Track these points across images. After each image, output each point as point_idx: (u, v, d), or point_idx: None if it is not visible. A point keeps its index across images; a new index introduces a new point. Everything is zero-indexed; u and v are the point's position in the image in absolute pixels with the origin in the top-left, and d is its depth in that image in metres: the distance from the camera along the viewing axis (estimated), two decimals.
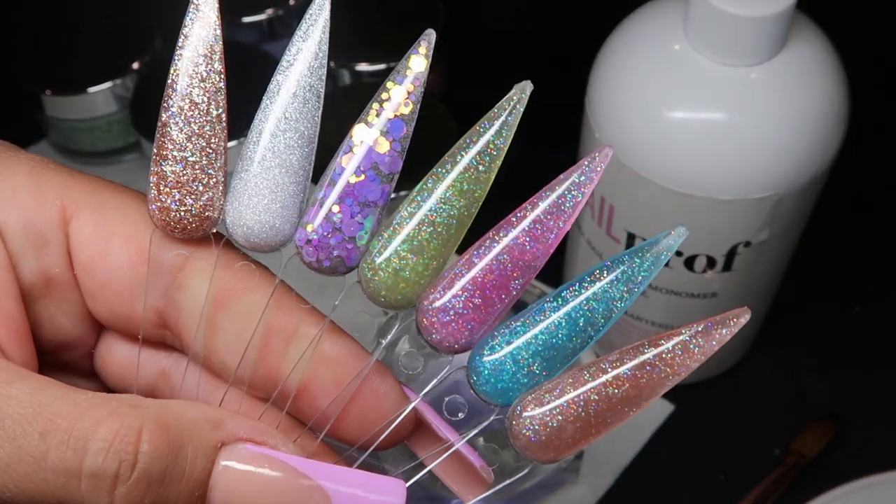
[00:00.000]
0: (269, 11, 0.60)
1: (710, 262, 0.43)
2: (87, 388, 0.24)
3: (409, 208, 0.23)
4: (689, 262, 0.43)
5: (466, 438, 0.25)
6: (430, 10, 0.60)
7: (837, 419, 0.50)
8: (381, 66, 0.57)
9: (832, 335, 0.54)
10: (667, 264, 0.43)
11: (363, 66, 0.57)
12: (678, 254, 0.43)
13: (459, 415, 0.25)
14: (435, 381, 0.24)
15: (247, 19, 0.60)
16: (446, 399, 0.25)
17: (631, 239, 0.44)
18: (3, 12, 0.62)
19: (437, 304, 0.22)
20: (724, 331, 0.22)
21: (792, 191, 0.40)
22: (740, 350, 0.52)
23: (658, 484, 0.49)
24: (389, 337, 0.25)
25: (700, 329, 0.22)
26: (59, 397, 0.20)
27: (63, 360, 0.26)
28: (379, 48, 0.58)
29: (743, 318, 0.22)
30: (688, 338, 0.22)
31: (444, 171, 0.23)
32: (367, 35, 0.59)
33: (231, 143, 0.54)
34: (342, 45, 0.58)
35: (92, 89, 0.57)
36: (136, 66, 0.58)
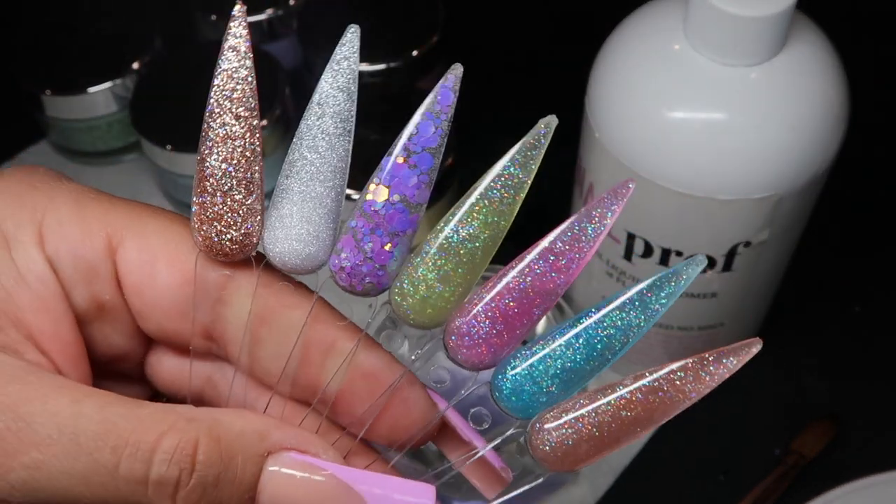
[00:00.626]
0: (269, 11, 0.60)
1: (710, 262, 0.43)
2: (140, 393, 0.29)
3: (436, 239, 0.24)
4: None
5: (492, 446, 0.26)
6: (430, 10, 0.60)
7: (837, 419, 0.50)
8: (381, 66, 0.57)
9: (832, 335, 0.54)
10: (666, 263, 0.44)
11: (363, 67, 0.57)
12: (678, 254, 0.43)
13: (484, 424, 0.27)
14: (461, 394, 0.26)
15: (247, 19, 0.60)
16: (472, 410, 0.27)
17: (631, 239, 0.44)
18: (3, 12, 0.62)
19: (463, 328, 0.24)
20: (734, 360, 0.23)
21: (792, 191, 0.40)
22: None
23: (658, 484, 0.49)
24: (421, 352, 0.27)
25: (712, 358, 0.23)
26: (124, 414, 0.22)
27: (117, 369, 0.28)
28: (379, 48, 0.58)
29: (755, 347, 0.23)
30: (700, 366, 0.23)
31: (469, 203, 0.24)
32: (367, 35, 0.59)
33: None
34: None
35: (92, 89, 0.57)
36: (136, 66, 0.58)
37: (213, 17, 0.60)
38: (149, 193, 0.60)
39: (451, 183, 0.55)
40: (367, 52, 0.58)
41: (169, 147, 0.54)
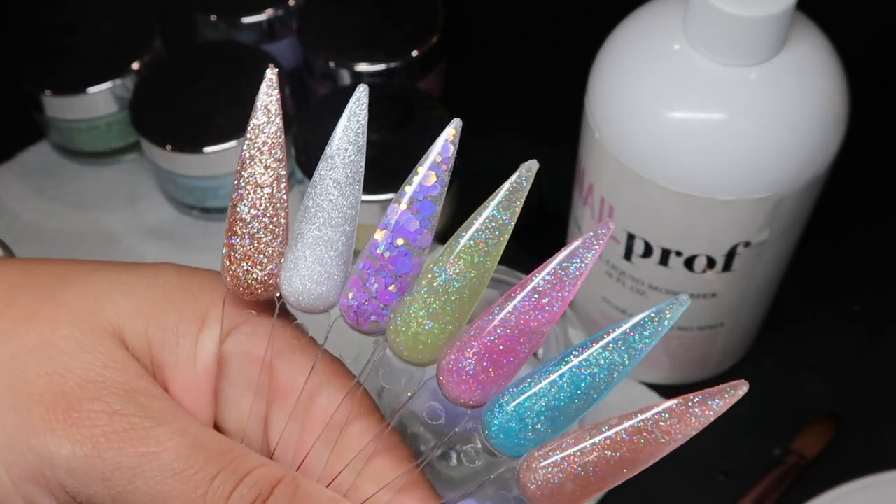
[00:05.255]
0: (269, 11, 0.60)
1: (710, 263, 0.43)
2: None
3: (426, 278, 0.25)
4: (689, 263, 0.43)
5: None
6: (430, 10, 0.60)
7: (837, 419, 0.50)
8: (381, 67, 0.57)
9: (832, 335, 0.54)
10: (665, 263, 0.44)
11: (363, 67, 0.58)
12: (678, 254, 0.43)
13: (440, 420, 0.28)
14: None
15: (247, 19, 0.60)
16: (426, 405, 0.28)
17: (631, 239, 0.44)
18: (3, 12, 0.62)
19: (452, 365, 0.25)
20: (719, 402, 0.23)
21: (792, 191, 0.40)
22: (740, 350, 0.52)
23: (658, 484, 0.49)
24: (368, 364, 0.28)
25: (697, 400, 0.23)
26: (238, 447, 0.26)
27: None
28: (379, 48, 0.58)
29: (741, 390, 0.23)
30: (685, 408, 0.23)
31: (456, 245, 0.25)
32: (367, 35, 0.59)
33: (231, 144, 0.54)
34: (342, 46, 0.58)
35: (92, 89, 0.57)
36: (136, 66, 0.58)
37: (213, 17, 0.60)
38: (149, 193, 0.60)
39: (451, 184, 0.55)
40: (367, 52, 0.58)
41: (169, 147, 0.54)
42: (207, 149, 0.54)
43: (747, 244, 0.42)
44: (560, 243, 0.32)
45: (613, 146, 0.41)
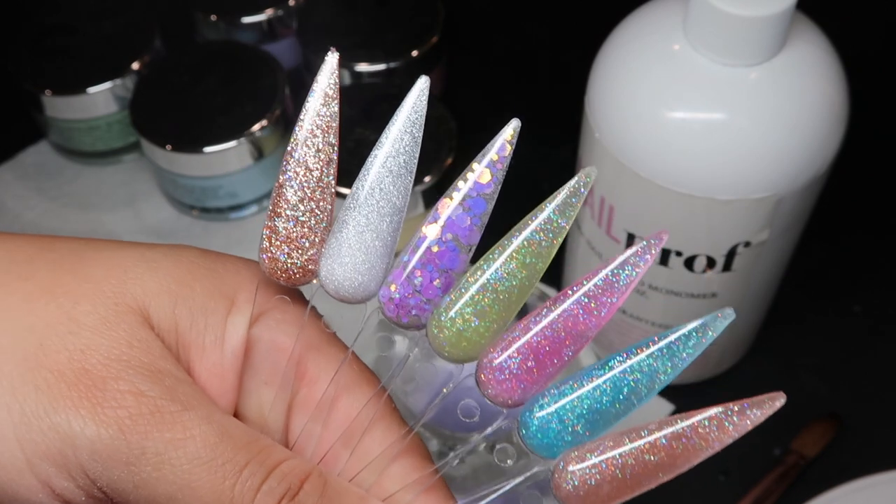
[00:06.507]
0: (269, 11, 0.60)
1: (710, 263, 0.43)
2: None
3: (475, 275, 0.25)
4: (689, 262, 0.43)
5: (483, 436, 0.27)
6: (430, 10, 0.60)
7: (837, 419, 0.50)
8: (381, 67, 0.57)
9: (832, 335, 0.54)
10: (665, 263, 0.44)
11: (363, 67, 0.58)
12: (678, 254, 0.43)
13: (475, 417, 0.27)
14: (451, 386, 0.26)
15: (247, 19, 0.60)
16: (461, 403, 0.28)
17: (631, 239, 0.44)
18: (3, 12, 0.62)
19: (495, 363, 0.25)
20: (758, 412, 0.24)
21: (792, 191, 0.40)
22: (740, 350, 0.52)
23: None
24: (401, 363, 0.27)
25: (736, 409, 0.24)
26: (265, 437, 0.26)
27: None
28: (379, 48, 0.58)
29: (778, 401, 0.24)
30: (724, 415, 0.24)
31: (509, 243, 0.25)
32: (367, 35, 0.59)
33: (231, 144, 0.54)
34: (342, 46, 0.58)
35: (92, 89, 0.57)
36: (136, 66, 0.58)
37: (213, 17, 0.60)
38: (149, 193, 0.60)
39: (450, 183, 0.55)
40: (367, 52, 0.58)
41: (169, 147, 0.54)
42: (207, 149, 0.54)
43: (747, 244, 0.42)
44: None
45: (613, 146, 0.41)
